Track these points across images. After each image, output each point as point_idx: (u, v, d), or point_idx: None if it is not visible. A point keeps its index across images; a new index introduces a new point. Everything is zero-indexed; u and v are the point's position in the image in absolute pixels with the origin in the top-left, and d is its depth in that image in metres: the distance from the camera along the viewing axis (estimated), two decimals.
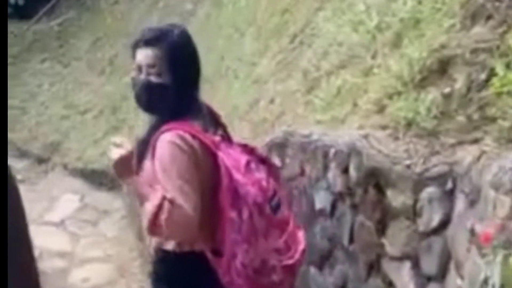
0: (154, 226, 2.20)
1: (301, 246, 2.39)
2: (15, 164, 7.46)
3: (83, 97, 7.97)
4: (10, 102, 8.49)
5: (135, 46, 2.34)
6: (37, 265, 4.24)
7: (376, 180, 2.37)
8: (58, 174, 6.93)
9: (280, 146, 3.01)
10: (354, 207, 2.54)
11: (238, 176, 2.26)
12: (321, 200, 2.76)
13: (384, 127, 2.43)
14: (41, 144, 7.32)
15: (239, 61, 5.78)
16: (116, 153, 2.35)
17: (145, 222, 2.23)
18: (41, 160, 7.19)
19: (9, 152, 7.98)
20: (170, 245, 2.33)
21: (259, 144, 3.59)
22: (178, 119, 2.26)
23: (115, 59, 8.46)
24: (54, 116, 7.71)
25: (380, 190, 2.36)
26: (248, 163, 2.33)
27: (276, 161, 3.04)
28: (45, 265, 5.08)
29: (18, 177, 7.24)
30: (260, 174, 2.35)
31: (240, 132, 4.24)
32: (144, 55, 2.30)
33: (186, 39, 2.36)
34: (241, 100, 4.74)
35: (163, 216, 2.16)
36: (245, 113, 4.35)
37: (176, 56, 2.30)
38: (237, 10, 6.59)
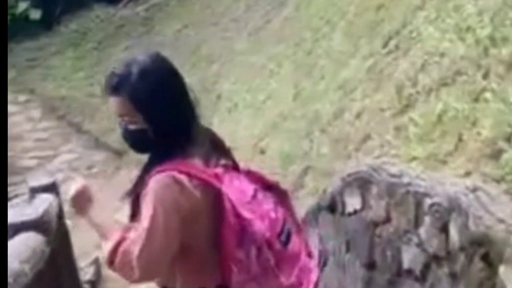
0: (111, 265, 2.12)
1: (314, 277, 2.23)
2: (91, 155, 7.23)
3: None
4: (92, 89, 8.32)
5: (105, 95, 2.16)
6: None
7: (485, 250, 1.79)
8: (133, 170, 6.60)
9: (364, 181, 2.45)
10: (454, 276, 1.97)
11: (244, 212, 2.10)
12: (411, 259, 2.19)
13: (499, 180, 1.84)
14: (118, 136, 7.01)
15: (326, 58, 5.22)
16: (72, 189, 2.23)
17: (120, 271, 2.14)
18: (117, 153, 6.91)
19: (86, 143, 7.87)
20: (175, 284, 2.19)
21: (339, 168, 3.06)
22: (173, 158, 2.09)
23: (199, 48, 8.07)
24: None
25: (490, 263, 1.78)
26: (255, 193, 2.18)
27: (357, 199, 2.49)
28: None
29: (94, 170, 7.03)
30: (268, 204, 2.20)
31: (318, 146, 3.69)
32: (113, 104, 2.13)
33: (148, 78, 2.10)
34: (324, 106, 4.18)
35: (117, 259, 2.09)
36: (327, 123, 3.79)
37: (142, 101, 2.08)
38: (329, 0, 6.02)
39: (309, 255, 2.27)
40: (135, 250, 2.06)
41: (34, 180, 4.02)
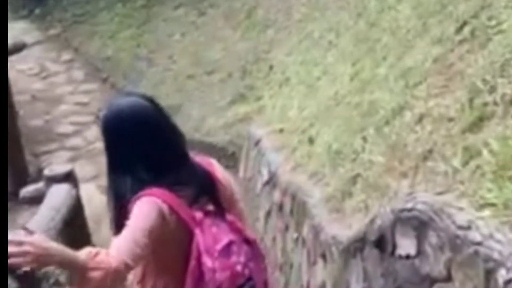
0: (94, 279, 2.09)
1: None
2: None
3: (213, 54, 7.15)
4: (138, 51, 7.95)
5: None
6: None
7: None
8: None
9: (421, 223, 1.95)
10: None
11: (207, 260, 2.27)
12: None
13: None
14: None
15: (391, 35, 4.64)
16: None
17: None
18: None
19: None
20: None
21: (393, 188, 2.56)
22: (161, 185, 2.26)
23: (254, 11, 7.54)
24: (179, 73, 6.98)
25: None
26: (229, 244, 2.33)
27: (411, 242, 2.00)
28: None
29: None
30: (239, 258, 2.34)
31: (371, 149, 3.18)
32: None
33: (115, 121, 2.31)
34: (383, 97, 3.65)
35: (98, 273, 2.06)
36: (384, 121, 3.26)
37: (105, 139, 2.33)
38: None
39: None
40: (115, 247, 2.14)
41: (51, 168, 3.70)
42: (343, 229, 2.82)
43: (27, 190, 3.62)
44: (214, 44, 7.28)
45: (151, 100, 2.37)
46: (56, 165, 3.74)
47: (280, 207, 4.12)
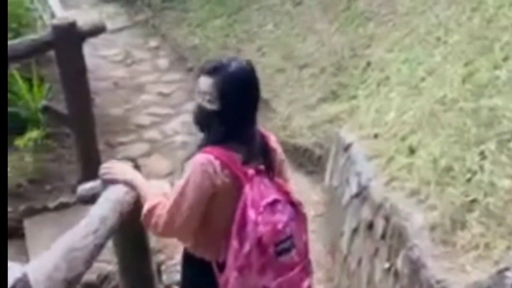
0: (145, 222, 2.63)
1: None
2: None
3: (306, 47, 6.57)
4: (226, 41, 7.47)
5: (198, 74, 2.65)
6: None
7: None
8: None
9: None
10: None
11: (251, 213, 2.48)
12: None
13: None
14: None
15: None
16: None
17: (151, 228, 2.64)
18: None
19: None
20: (189, 246, 2.73)
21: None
22: (219, 145, 2.52)
23: (354, 3, 6.91)
24: (268, 66, 6.44)
25: None
26: (274, 202, 2.55)
27: None
28: None
29: None
30: (282, 216, 2.55)
31: (492, 169, 2.53)
32: (202, 82, 2.57)
33: (241, 72, 2.55)
34: (506, 104, 2.98)
35: (150, 220, 2.59)
36: (510, 136, 2.61)
37: (226, 87, 2.52)
38: None
39: (306, 275, 2.63)
40: (163, 213, 2.53)
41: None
42: (453, 271, 2.19)
43: (84, 188, 3.17)
44: (308, 36, 6.70)
45: (251, 66, 2.63)
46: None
47: (370, 226, 3.51)
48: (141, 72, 7.30)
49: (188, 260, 2.77)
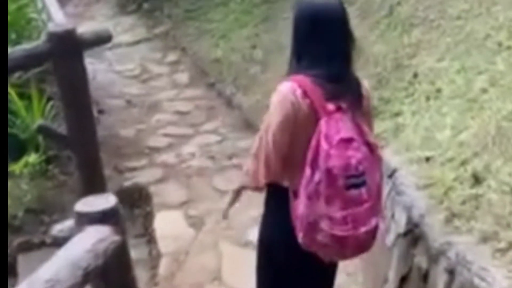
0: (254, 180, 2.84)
1: (364, 228, 2.66)
2: (236, 140, 5.77)
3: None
4: (252, 53, 6.82)
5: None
6: None
7: None
8: None
9: None
10: None
11: (324, 144, 2.59)
12: None
13: None
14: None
15: None
16: None
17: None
18: None
19: (234, 122, 6.34)
20: (283, 180, 2.82)
21: None
22: (306, 75, 2.63)
23: (397, 8, 6.23)
24: None
25: None
26: (350, 140, 2.63)
27: None
28: None
29: (235, 160, 5.55)
30: (356, 153, 2.63)
31: None
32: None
33: (320, 5, 2.68)
34: None
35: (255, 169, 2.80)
36: None
37: (299, 15, 2.68)
38: None
39: (376, 214, 2.73)
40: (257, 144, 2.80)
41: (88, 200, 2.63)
42: None
43: (61, 228, 2.58)
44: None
45: (341, 2, 2.74)
46: (98, 197, 2.63)
47: (425, 278, 2.80)
48: (158, 89, 6.72)
49: (269, 188, 2.89)
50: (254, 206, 4.89)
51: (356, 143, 2.63)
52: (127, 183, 5.28)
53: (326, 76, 2.61)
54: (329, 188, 2.59)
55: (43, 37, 4.55)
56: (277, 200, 2.84)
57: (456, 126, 3.93)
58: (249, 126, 5.64)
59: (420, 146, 4.01)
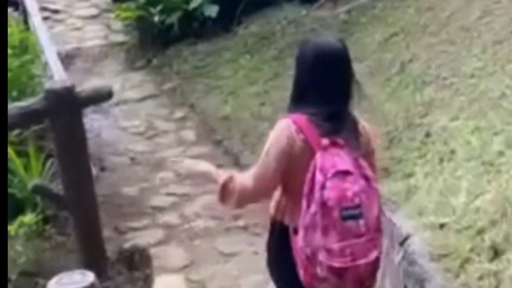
0: (222, 198, 2.86)
1: (363, 260, 2.66)
2: None
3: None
4: (261, 110, 6.58)
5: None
6: None
7: None
8: None
9: None
10: None
11: (319, 176, 2.65)
12: None
13: None
14: None
15: None
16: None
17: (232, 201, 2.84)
18: None
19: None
20: (271, 211, 2.92)
21: None
22: (302, 114, 2.72)
23: (409, 65, 6.05)
24: None
25: None
26: (346, 173, 2.66)
27: None
28: None
29: (240, 222, 5.31)
30: (353, 186, 2.65)
31: None
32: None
33: (324, 44, 2.78)
34: None
35: (232, 190, 2.79)
36: None
37: (304, 57, 2.76)
38: None
39: (375, 247, 2.70)
40: (251, 172, 2.79)
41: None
42: None
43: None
44: (360, 102, 5.83)
45: (343, 44, 2.81)
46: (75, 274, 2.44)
47: None
48: (163, 146, 6.52)
49: (272, 224, 2.94)
50: (257, 271, 4.68)
51: (353, 176, 2.67)
52: (126, 245, 5.04)
53: (323, 114, 2.70)
54: (325, 219, 2.63)
55: (40, 94, 4.40)
56: (280, 238, 2.89)
57: (471, 190, 3.68)
58: None
59: (433, 211, 3.77)
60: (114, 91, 7.57)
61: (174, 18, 8.15)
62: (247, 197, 2.79)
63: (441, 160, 4.37)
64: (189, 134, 6.75)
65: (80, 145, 4.46)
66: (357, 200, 2.63)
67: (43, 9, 10.47)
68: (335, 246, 2.61)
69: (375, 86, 6.11)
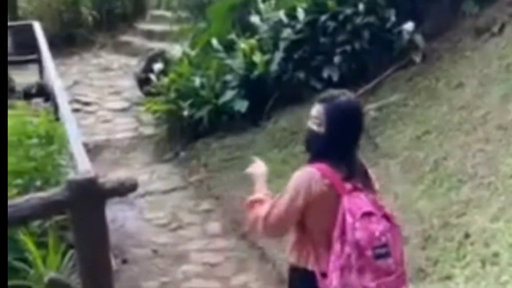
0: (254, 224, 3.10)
1: None
2: None
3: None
4: None
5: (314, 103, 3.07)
6: None
7: None
8: None
9: None
10: None
11: (349, 219, 2.81)
12: None
13: None
14: None
15: None
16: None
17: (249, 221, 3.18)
18: None
19: (267, 277, 5.50)
20: (292, 259, 3.05)
21: None
22: (323, 161, 2.93)
23: (443, 162, 5.78)
24: None
25: None
26: (370, 214, 2.83)
27: None
28: None
29: None
30: (378, 226, 2.82)
31: None
32: (314, 109, 3.03)
33: (347, 104, 2.99)
34: None
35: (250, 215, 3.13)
36: None
37: (332, 114, 2.95)
38: None
39: (403, 282, 2.88)
40: (264, 210, 3.01)
41: None
42: None
43: None
44: (388, 200, 5.55)
45: (358, 102, 3.21)
46: None
47: None
48: (187, 238, 6.25)
49: (294, 271, 3.06)
50: None
51: (376, 216, 2.83)
52: None
53: (342, 161, 2.93)
54: (360, 259, 2.76)
55: (62, 185, 4.20)
56: (305, 284, 2.97)
57: None
58: (283, 281, 5.05)
59: None
60: (141, 183, 7.43)
61: (203, 112, 8.08)
62: (267, 229, 3.01)
63: (483, 264, 4.05)
64: (214, 227, 6.48)
65: (100, 237, 4.20)
66: (384, 239, 2.80)
67: (76, 101, 10.56)
68: (372, 284, 2.76)
69: (407, 184, 5.84)
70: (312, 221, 2.92)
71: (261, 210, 3.01)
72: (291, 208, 2.89)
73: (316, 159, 2.96)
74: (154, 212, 6.82)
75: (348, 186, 2.86)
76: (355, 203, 2.81)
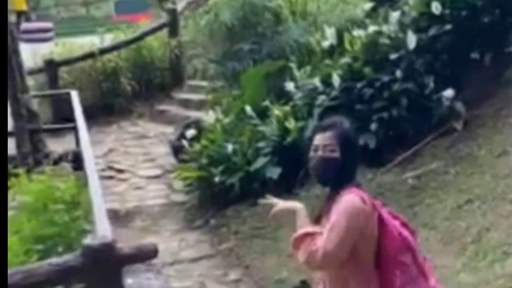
0: (295, 249, 3.22)
1: None
2: None
3: None
4: None
5: (314, 132, 3.24)
6: None
7: None
8: None
9: None
10: None
11: (406, 233, 3.09)
12: None
13: None
14: None
15: None
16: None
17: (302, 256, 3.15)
18: None
19: None
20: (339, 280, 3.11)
21: None
22: (346, 185, 3.08)
23: (486, 234, 5.39)
24: None
25: None
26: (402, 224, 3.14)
27: None
28: None
29: None
30: (406, 233, 3.12)
31: None
32: (320, 138, 3.16)
33: (351, 128, 3.24)
34: None
35: (301, 246, 3.15)
36: None
37: (344, 138, 3.13)
38: None
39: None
40: (319, 242, 3.01)
41: None
42: None
43: None
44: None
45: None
46: None
47: None
48: None
49: None
50: None
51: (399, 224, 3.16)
52: None
53: (355, 180, 3.18)
54: (419, 264, 3.04)
55: (78, 251, 3.94)
56: None
57: None
58: None
59: None
60: (170, 251, 7.16)
61: (235, 178, 7.85)
62: (313, 264, 3.07)
63: None
64: None
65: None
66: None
67: (109, 168, 10.43)
68: (433, 281, 3.13)
69: (448, 255, 5.44)
70: (362, 247, 3.02)
71: (317, 241, 3.01)
72: (348, 236, 2.95)
73: (339, 185, 3.09)
74: (181, 281, 6.51)
75: (377, 202, 3.14)
76: (388, 217, 3.09)
